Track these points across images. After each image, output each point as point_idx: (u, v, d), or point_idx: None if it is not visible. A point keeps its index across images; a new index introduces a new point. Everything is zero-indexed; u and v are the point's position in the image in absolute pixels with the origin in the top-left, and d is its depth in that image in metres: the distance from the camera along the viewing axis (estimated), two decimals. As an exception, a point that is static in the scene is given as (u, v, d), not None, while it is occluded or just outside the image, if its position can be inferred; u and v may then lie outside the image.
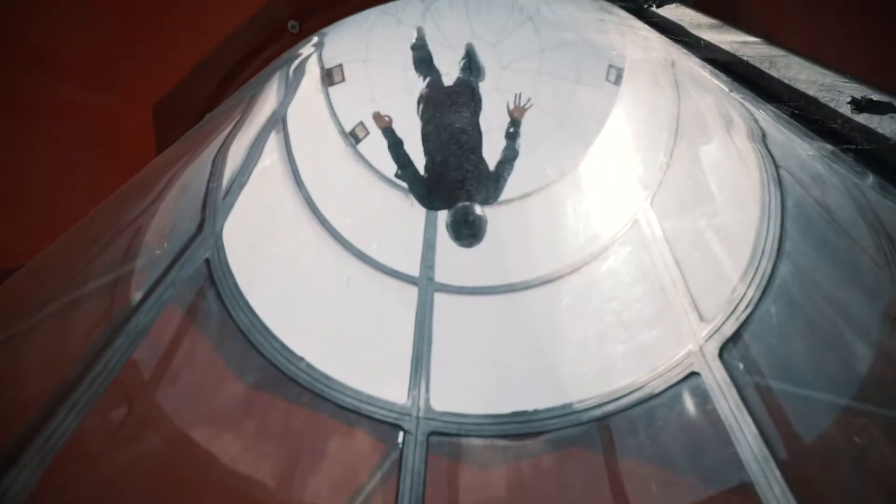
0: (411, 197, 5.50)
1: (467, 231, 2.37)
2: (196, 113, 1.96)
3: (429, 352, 3.48)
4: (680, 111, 3.25)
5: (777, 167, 2.21)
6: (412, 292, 3.99)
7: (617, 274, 3.41)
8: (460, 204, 2.32)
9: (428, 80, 2.39)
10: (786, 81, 1.48)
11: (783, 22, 2.02)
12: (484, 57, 5.23)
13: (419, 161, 3.31)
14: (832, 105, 1.26)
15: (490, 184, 2.54)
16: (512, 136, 2.89)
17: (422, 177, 2.53)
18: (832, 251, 1.83)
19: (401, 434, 2.86)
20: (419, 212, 5.18)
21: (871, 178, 1.11)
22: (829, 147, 1.21)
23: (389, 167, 5.64)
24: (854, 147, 1.14)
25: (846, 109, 1.20)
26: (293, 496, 2.55)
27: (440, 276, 4.18)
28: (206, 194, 1.97)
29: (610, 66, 4.94)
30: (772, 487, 1.85)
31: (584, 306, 3.49)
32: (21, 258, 1.56)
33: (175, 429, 2.10)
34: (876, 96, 1.12)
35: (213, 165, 2.03)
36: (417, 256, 4.44)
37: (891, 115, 1.06)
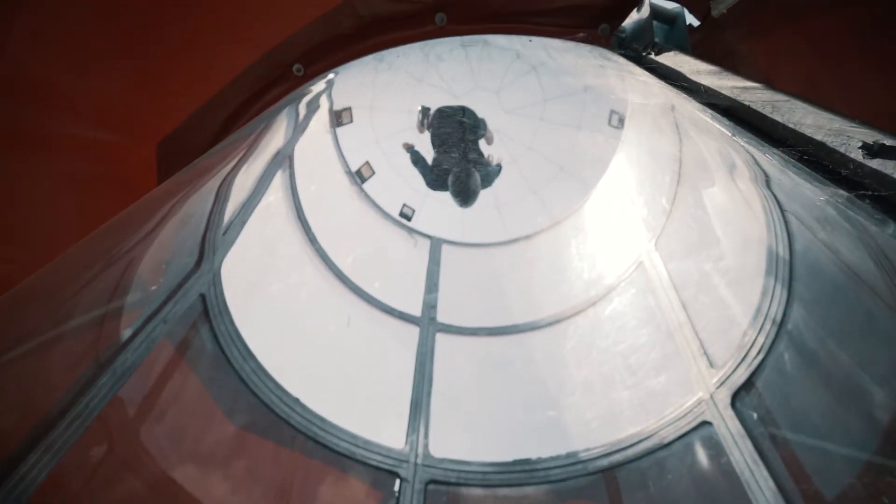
0: (415, 236, 5.53)
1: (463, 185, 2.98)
2: (199, 151, 1.98)
3: (429, 394, 3.36)
4: (682, 154, 3.27)
5: (783, 211, 2.18)
6: (413, 332, 3.91)
7: (622, 316, 3.33)
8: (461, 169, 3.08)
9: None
10: (791, 126, 1.47)
11: (782, 68, 2.05)
12: (486, 106, 5.40)
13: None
14: (842, 150, 1.23)
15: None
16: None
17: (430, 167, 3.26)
18: (845, 296, 1.77)
19: (397, 482, 2.72)
20: (422, 251, 5.18)
21: (892, 227, 1.06)
22: (844, 193, 1.17)
23: (394, 207, 5.70)
24: (870, 193, 1.11)
25: (857, 154, 1.17)
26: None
27: (442, 317, 4.11)
28: (207, 229, 1.95)
29: (612, 112, 5.06)
30: None
31: (589, 349, 3.39)
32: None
33: (159, 470, 1.99)
34: (888, 141, 1.09)
35: (215, 198, 2.02)
36: (420, 296, 4.39)
37: (905, 160, 1.04)
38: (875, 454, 1.84)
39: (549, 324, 3.89)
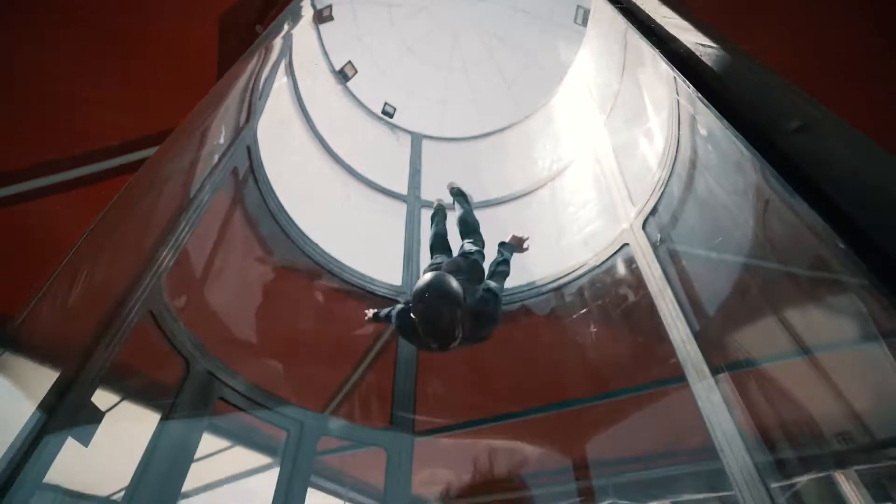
0: (397, 132, 6.03)
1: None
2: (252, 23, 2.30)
3: (417, 252, 4.14)
4: (626, 54, 3.80)
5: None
6: (401, 208, 4.62)
7: (575, 184, 4.08)
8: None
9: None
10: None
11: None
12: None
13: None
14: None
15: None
16: (505, 262, 2.71)
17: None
18: (718, 147, 2.45)
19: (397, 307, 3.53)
20: (404, 145, 5.74)
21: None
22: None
23: (377, 104, 6.11)
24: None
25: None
26: (316, 348, 3.22)
27: (426, 195, 4.81)
28: (251, 93, 2.45)
29: (577, 7, 5.43)
30: (677, 326, 2.57)
31: (548, 212, 4.17)
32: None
33: (220, 282, 2.71)
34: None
35: (253, 81, 2.50)
36: (405, 179, 5.04)
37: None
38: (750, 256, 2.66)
39: (518, 197, 4.64)
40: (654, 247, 2.84)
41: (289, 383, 2.78)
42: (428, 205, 4.76)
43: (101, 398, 1.77)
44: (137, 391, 2.08)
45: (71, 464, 1.69)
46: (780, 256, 2.53)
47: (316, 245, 3.32)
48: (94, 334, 1.62)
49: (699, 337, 2.62)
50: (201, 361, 2.14)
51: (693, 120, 2.56)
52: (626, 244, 3.06)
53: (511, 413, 3.47)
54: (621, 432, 3.77)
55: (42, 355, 1.53)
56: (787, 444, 3.11)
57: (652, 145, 3.03)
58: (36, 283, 1.46)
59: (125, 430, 2.16)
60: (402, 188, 4.79)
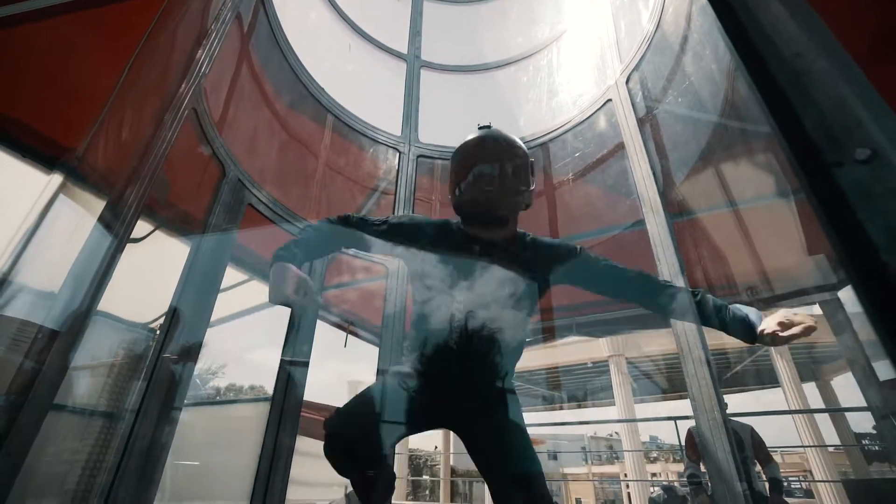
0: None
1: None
2: None
3: (417, 109, 4.35)
4: None
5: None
6: (401, 67, 4.72)
7: (572, 47, 4.19)
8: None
9: None
10: None
11: None
12: None
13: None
14: None
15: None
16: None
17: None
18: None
19: (398, 155, 3.86)
20: (406, 3, 5.61)
21: None
22: None
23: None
24: None
25: None
26: (327, 189, 3.58)
27: (426, 56, 4.88)
28: None
29: None
30: (643, 180, 2.92)
31: (544, 75, 4.33)
32: None
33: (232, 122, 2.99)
34: None
35: None
36: (405, 40, 5.05)
37: None
38: (712, 112, 2.95)
39: (515, 61, 4.74)
40: (633, 102, 3.11)
41: (303, 205, 3.20)
42: (428, 65, 4.86)
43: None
44: (184, 194, 2.47)
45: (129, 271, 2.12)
46: (740, 117, 2.84)
47: (322, 88, 3.53)
48: (147, 133, 1.93)
49: (662, 188, 3.00)
50: (234, 169, 2.50)
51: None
52: (610, 100, 3.33)
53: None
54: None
55: (103, 177, 1.83)
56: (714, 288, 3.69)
57: (645, 1, 3.15)
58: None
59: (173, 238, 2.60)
60: (403, 48, 4.84)
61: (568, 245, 1.50)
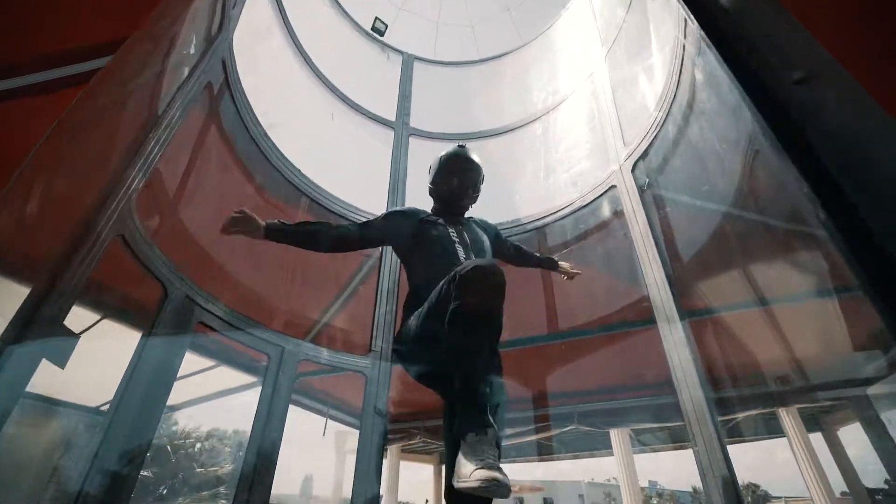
0: (388, 51, 5.67)
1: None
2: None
3: (404, 182, 4.04)
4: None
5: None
6: (388, 134, 4.45)
7: (569, 120, 3.94)
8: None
9: None
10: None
11: None
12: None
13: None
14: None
15: None
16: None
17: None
18: (716, 90, 2.34)
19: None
20: (395, 66, 5.42)
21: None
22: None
23: (367, 20, 5.70)
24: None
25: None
26: (297, 275, 3.21)
27: (415, 123, 4.62)
28: (223, 2, 2.23)
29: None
30: (653, 271, 2.59)
31: (539, 148, 4.07)
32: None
33: (195, 213, 2.64)
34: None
35: None
36: (394, 104, 4.81)
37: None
38: (731, 206, 2.64)
39: (510, 130, 4.48)
40: (641, 191, 2.81)
41: (269, 309, 2.81)
42: (417, 133, 4.60)
43: (78, 317, 1.77)
44: (115, 311, 2.08)
45: (49, 380, 1.72)
46: (759, 209, 2.53)
47: (297, 170, 3.21)
48: (63, 253, 1.58)
49: (672, 282, 2.66)
50: (179, 286, 2.12)
51: (696, 61, 2.43)
52: (614, 186, 3.03)
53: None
54: (587, 367, 3.99)
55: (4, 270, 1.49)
56: (735, 384, 3.31)
57: (651, 84, 2.89)
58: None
59: (106, 348, 2.20)
60: (390, 114, 4.58)
61: (491, 224, 2.32)
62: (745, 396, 3.94)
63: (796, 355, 3.43)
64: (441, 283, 1.52)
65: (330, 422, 4.86)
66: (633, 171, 2.89)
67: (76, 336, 1.61)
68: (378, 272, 3.48)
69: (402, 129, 4.52)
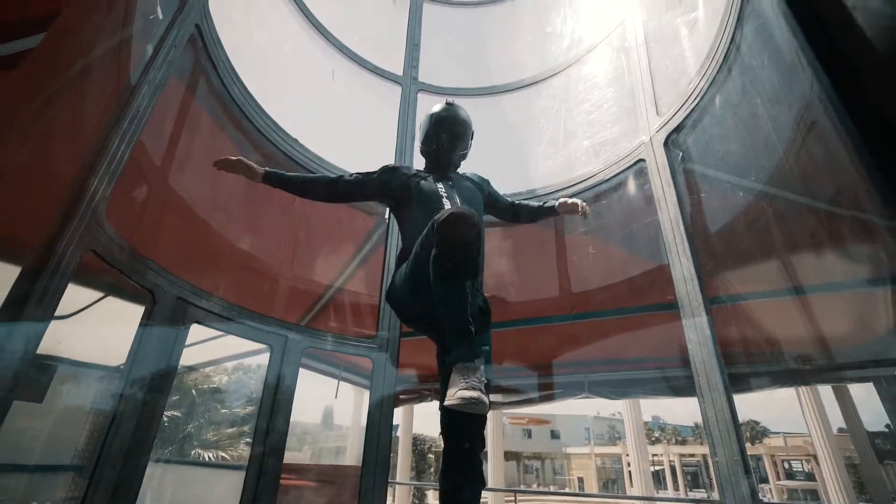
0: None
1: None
2: None
3: (412, 143, 3.74)
4: None
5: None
6: (395, 91, 4.08)
7: (594, 77, 3.54)
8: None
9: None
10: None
11: None
12: None
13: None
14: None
15: None
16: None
17: None
18: (775, 56, 1.98)
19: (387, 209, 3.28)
20: (402, 9, 4.91)
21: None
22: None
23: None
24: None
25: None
26: (299, 256, 3.05)
27: (423, 77, 4.23)
28: None
29: None
30: (681, 260, 2.36)
31: (560, 108, 3.70)
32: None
33: (183, 202, 2.44)
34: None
35: None
36: (401, 56, 4.39)
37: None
38: (769, 184, 2.35)
39: (526, 86, 4.09)
40: (674, 169, 2.52)
41: (270, 297, 2.69)
42: (426, 88, 4.22)
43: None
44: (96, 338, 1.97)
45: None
46: (805, 192, 2.25)
47: (295, 141, 2.95)
48: (19, 291, 1.37)
49: (700, 270, 2.42)
50: (168, 290, 1.98)
51: (758, 14, 2.04)
52: (642, 160, 2.73)
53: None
54: (604, 347, 3.89)
55: None
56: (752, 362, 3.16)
57: (694, 42, 2.51)
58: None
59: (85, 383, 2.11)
60: (397, 68, 4.19)
61: (485, 178, 2.31)
62: (761, 372, 3.79)
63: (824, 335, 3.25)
64: (423, 232, 1.63)
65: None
66: (665, 144, 2.59)
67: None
68: (385, 244, 3.31)
69: (409, 84, 4.14)
